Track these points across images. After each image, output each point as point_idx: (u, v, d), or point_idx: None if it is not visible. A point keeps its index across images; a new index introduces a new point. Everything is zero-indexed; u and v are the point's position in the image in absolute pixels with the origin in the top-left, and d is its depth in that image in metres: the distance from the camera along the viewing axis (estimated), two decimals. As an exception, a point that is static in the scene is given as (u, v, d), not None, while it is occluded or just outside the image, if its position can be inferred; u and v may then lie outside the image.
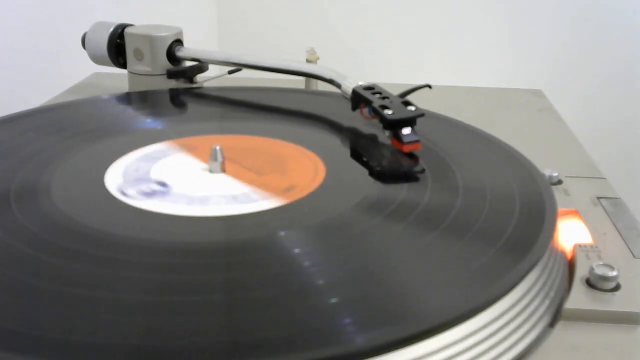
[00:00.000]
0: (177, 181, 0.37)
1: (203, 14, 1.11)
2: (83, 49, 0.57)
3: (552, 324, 0.28)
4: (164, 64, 0.55)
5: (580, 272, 0.31)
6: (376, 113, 0.42)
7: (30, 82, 0.66)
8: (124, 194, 0.35)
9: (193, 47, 0.55)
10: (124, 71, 0.57)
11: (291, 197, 0.35)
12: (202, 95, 0.54)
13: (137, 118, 0.50)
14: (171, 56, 0.55)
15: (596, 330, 0.28)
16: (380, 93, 0.44)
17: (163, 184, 0.37)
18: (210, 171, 0.38)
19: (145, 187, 0.36)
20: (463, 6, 1.06)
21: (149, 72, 0.55)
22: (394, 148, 0.41)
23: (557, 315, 0.29)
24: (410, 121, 0.40)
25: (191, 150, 0.42)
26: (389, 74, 1.03)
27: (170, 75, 0.54)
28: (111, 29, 0.56)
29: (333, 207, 0.34)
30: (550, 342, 0.27)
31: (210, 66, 0.55)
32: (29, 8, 0.67)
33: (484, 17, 1.06)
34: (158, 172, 0.38)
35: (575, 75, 1.06)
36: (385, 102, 0.42)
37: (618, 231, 0.36)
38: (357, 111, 0.45)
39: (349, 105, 0.46)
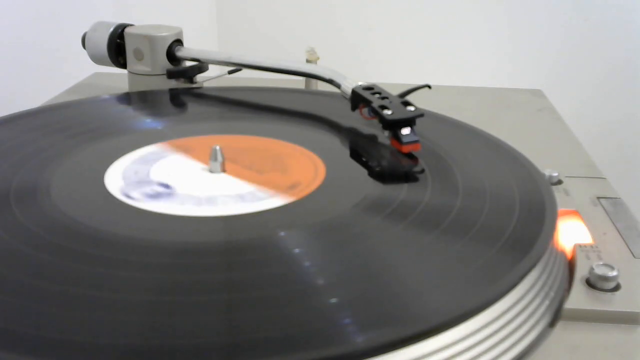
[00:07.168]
0: (179, 182, 0.37)
1: (203, 14, 1.11)
2: (83, 49, 0.57)
3: (552, 324, 0.28)
4: (164, 64, 0.55)
5: (580, 272, 0.31)
6: (375, 113, 0.42)
7: (31, 82, 0.66)
8: (128, 196, 0.35)
9: (193, 47, 0.55)
10: (124, 71, 0.57)
11: (297, 194, 0.35)
12: (202, 95, 0.54)
13: (137, 118, 0.50)
14: (171, 56, 0.55)
15: (596, 330, 0.28)
16: (379, 93, 0.44)
17: (166, 186, 0.37)
18: (211, 171, 0.38)
19: (149, 190, 0.36)
20: (463, 6, 1.06)
21: (149, 72, 0.55)
22: (393, 148, 0.41)
23: (557, 315, 0.29)
24: (409, 121, 0.40)
25: (188, 151, 0.41)
26: (389, 74, 1.03)
27: (170, 75, 0.54)
28: (111, 29, 0.56)
29: (333, 207, 0.34)
30: (550, 342, 0.27)
31: (210, 66, 0.55)
32: (29, 8, 0.67)
33: (484, 17, 1.06)
34: (158, 173, 0.38)
35: (575, 75, 1.06)
36: (385, 102, 0.42)
37: (618, 231, 0.36)
38: (357, 111, 0.45)
39: (348, 105, 0.46)
